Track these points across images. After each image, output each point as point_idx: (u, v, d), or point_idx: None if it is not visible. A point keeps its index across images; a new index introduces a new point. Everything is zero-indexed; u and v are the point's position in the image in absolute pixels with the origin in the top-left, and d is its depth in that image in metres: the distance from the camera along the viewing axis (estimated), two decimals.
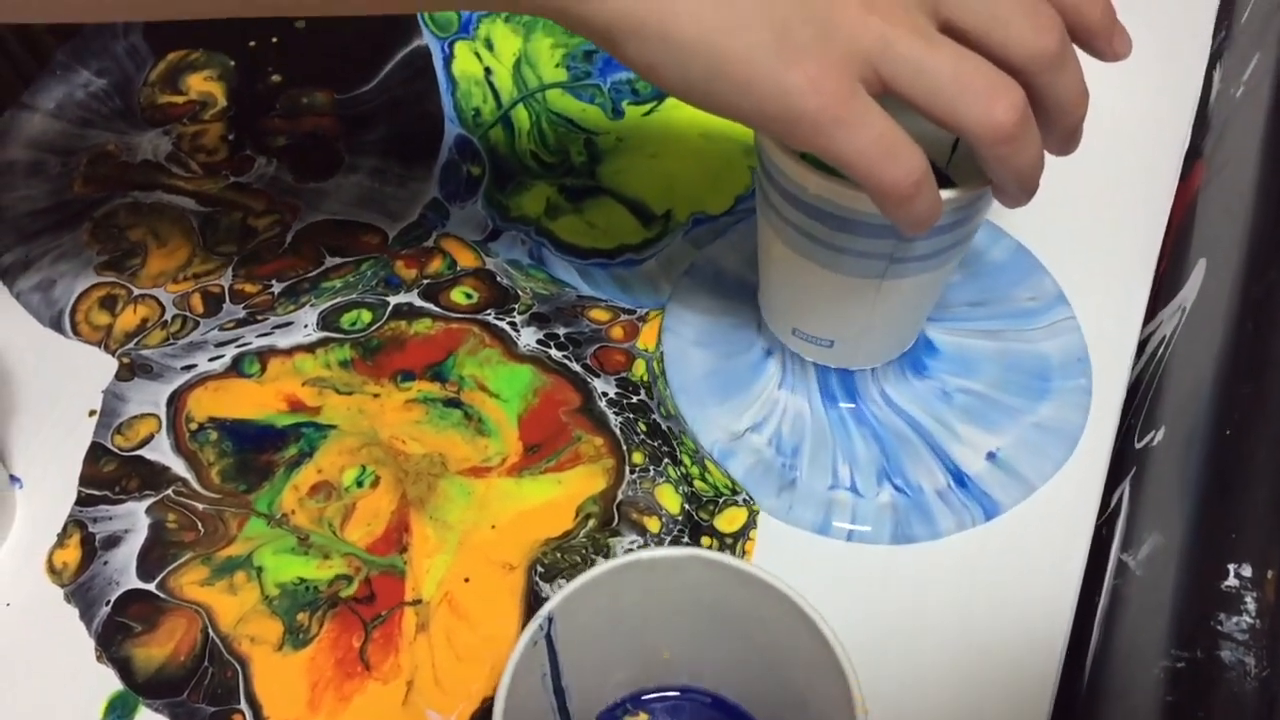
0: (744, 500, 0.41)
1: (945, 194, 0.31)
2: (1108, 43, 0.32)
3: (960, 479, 0.42)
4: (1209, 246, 0.44)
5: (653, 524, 0.40)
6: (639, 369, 0.44)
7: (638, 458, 0.41)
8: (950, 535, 0.40)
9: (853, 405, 0.43)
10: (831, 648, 0.28)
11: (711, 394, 0.43)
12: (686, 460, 0.42)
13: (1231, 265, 0.40)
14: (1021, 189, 0.31)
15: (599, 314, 0.45)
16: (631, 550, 0.39)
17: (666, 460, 0.41)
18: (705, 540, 0.40)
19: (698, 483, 0.41)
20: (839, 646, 0.28)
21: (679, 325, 0.45)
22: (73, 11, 0.36)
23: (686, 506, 0.40)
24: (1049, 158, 0.32)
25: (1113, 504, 0.42)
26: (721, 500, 0.41)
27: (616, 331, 0.45)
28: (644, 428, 0.42)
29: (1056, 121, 0.31)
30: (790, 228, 0.35)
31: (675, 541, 0.40)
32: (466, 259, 0.48)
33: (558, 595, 0.29)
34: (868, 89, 0.29)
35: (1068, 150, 0.33)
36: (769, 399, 0.43)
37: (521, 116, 0.51)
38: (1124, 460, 0.42)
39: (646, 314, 0.46)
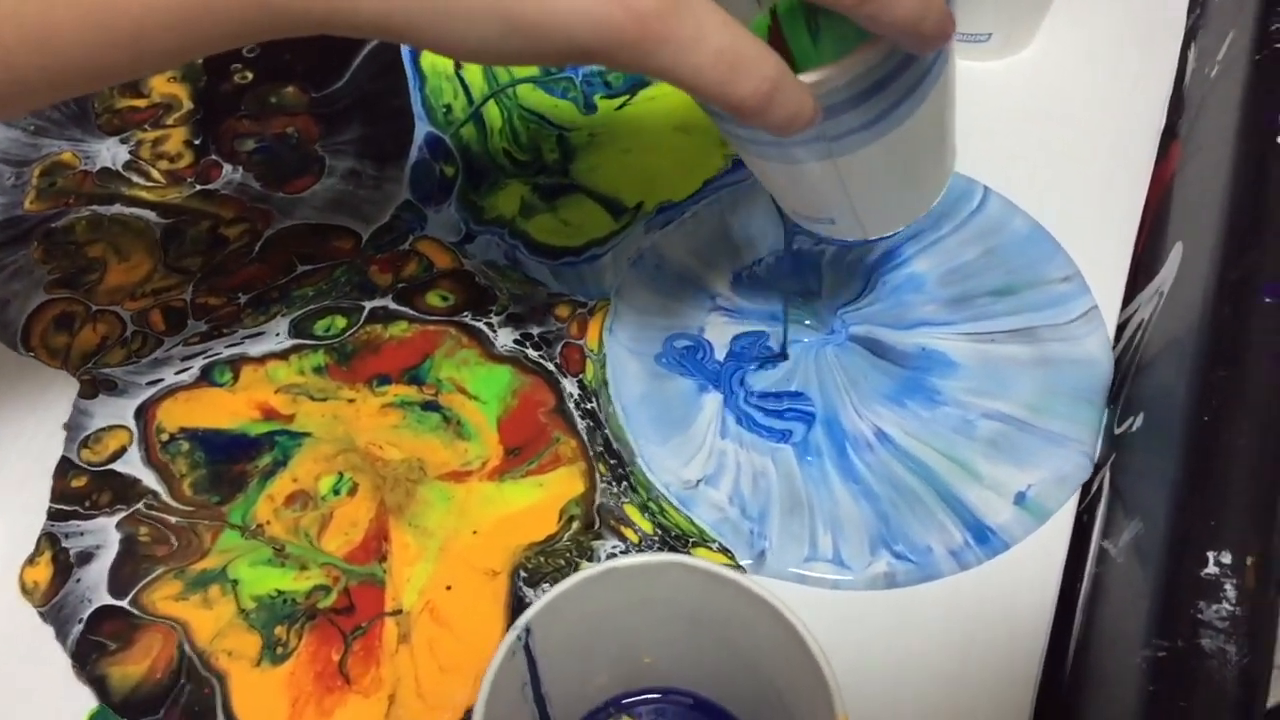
0: (719, 548, 0.39)
1: (812, 77, 0.28)
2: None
3: (982, 534, 0.37)
4: (1186, 229, 0.44)
5: (631, 535, 0.40)
6: (589, 371, 0.43)
7: (602, 468, 0.41)
8: (951, 577, 0.38)
9: (838, 457, 0.39)
10: (811, 652, 0.28)
11: (653, 426, 0.41)
12: (642, 493, 0.40)
13: (1208, 248, 0.40)
14: (916, 39, 0.27)
15: (562, 310, 0.45)
16: (614, 554, 0.39)
17: (625, 483, 0.41)
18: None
19: (660, 517, 0.40)
20: (818, 650, 0.28)
21: (619, 326, 0.43)
22: None
23: (659, 531, 0.40)
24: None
25: (1093, 490, 0.42)
26: (692, 540, 0.39)
27: (574, 328, 0.44)
28: (601, 439, 0.42)
29: None
30: (727, 124, 0.33)
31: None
32: (443, 260, 0.47)
33: (535, 605, 0.29)
34: None
35: None
36: (714, 449, 0.40)
37: (493, 113, 0.51)
38: (1103, 445, 0.42)
39: (594, 306, 0.45)
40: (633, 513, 0.40)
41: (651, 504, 0.40)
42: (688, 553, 0.38)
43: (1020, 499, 0.38)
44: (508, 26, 0.25)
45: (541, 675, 0.31)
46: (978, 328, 0.42)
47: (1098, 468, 0.42)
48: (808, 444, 0.40)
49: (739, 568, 0.38)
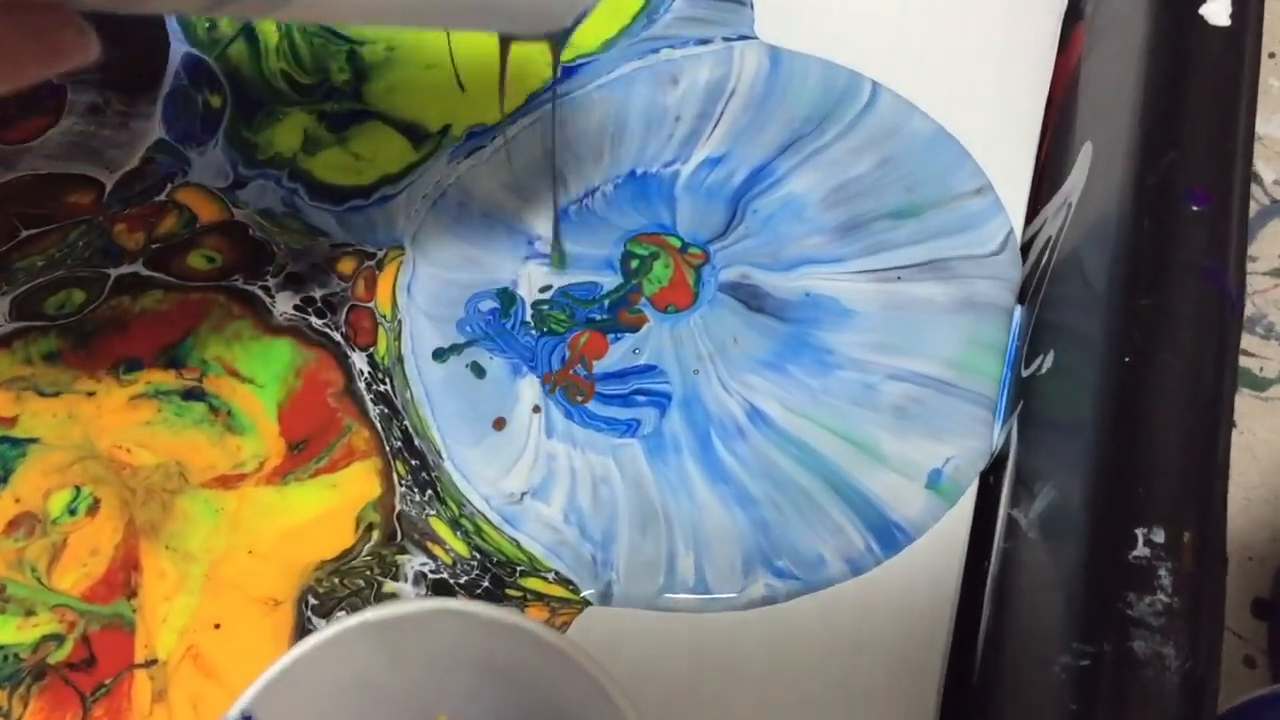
0: (556, 578, 0.31)
1: None
2: None
3: (888, 536, 0.30)
4: (1095, 127, 0.37)
5: (441, 553, 0.32)
6: (382, 343, 0.35)
7: (401, 468, 0.33)
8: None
9: (700, 450, 0.31)
10: (611, 696, 0.21)
11: (462, 420, 0.32)
12: (453, 506, 0.32)
13: (1121, 148, 0.33)
14: None
15: (345, 264, 0.36)
16: (423, 573, 0.31)
17: (430, 492, 0.33)
18: (513, 592, 0.31)
19: (478, 539, 0.32)
20: (618, 693, 0.21)
21: (414, 283, 0.35)
22: None
23: (478, 555, 0.32)
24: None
25: (997, 445, 0.35)
26: (520, 569, 0.31)
27: (360, 287, 0.36)
28: (399, 433, 0.33)
29: None
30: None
31: (472, 582, 0.31)
32: (208, 212, 0.38)
33: (255, 684, 0.22)
34: None
35: None
36: (540, 451, 0.32)
37: (268, 27, 0.41)
38: (1010, 390, 0.35)
39: (383, 258, 0.36)
40: (442, 529, 0.32)
41: (465, 521, 0.32)
42: (515, 583, 0.31)
43: (935, 479, 0.31)
44: None
45: None
46: (876, 262, 0.34)
47: (1005, 418, 0.35)
48: (661, 436, 0.32)
49: (583, 602, 0.30)
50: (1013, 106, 0.40)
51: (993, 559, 0.33)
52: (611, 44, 0.39)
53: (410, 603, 0.22)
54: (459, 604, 0.22)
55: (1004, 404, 0.34)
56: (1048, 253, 0.36)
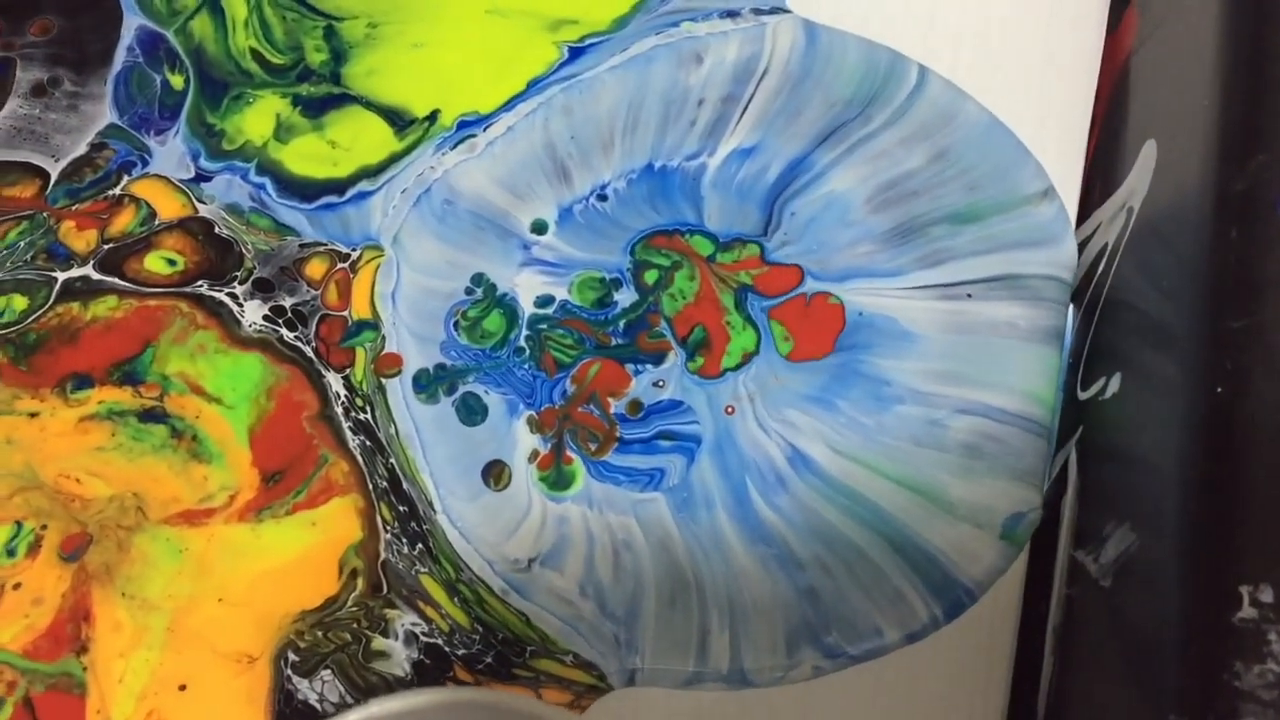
0: (575, 661, 0.27)
1: None
2: None
3: (954, 602, 0.26)
4: (1157, 122, 0.33)
5: (435, 617, 0.28)
6: (360, 364, 0.31)
7: (386, 513, 0.29)
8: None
9: (735, 504, 0.27)
10: None
11: (455, 469, 0.28)
12: (448, 567, 0.28)
13: (1196, 149, 0.30)
14: None
15: (314, 267, 0.32)
16: (414, 633, 0.28)
17: (421, 546, 0.29)
18: (523, 673, 0.27)
19: (479, 609, 0.28)
20: None
21: (398, 294, 0.30)
22: None
23: (479, 627, 0.28)
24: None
25: (1052, 473, 0.32)
26: (530, 649, 0.27)
27: (332, 294, 0.32)
28: (384, 472, 0.30)
29: None
30: None
31: (474, 656, 0.27)
32: (170, 207, 0.34)
33: None
34: None
35: None
36: (548, 513, 0.27)
37: None
38: (1063, 413, 0.32)
39: (358, 259, 0.32)
40: (436, 592, 0.28)
41: (463, 588, 0.28)
42: (523, 664, 0.27)
43: (1012, 525, 0.27)
44: None
45: None
46: (940, 276, 0.30)
47: (1059, 445, 0.32)
48: (690, 488, 0.28)
49: (603, 686, 0.27)
50: (1058, 96, 0.36)
51: (1053, 605, 0.30)
52: (626, 20, 0.35)
53: (410, 695, 0.19)
54: (475, 694, 0.18)
55: (1055, 426, 0.31)
56: (1106, 261, 0.33)
